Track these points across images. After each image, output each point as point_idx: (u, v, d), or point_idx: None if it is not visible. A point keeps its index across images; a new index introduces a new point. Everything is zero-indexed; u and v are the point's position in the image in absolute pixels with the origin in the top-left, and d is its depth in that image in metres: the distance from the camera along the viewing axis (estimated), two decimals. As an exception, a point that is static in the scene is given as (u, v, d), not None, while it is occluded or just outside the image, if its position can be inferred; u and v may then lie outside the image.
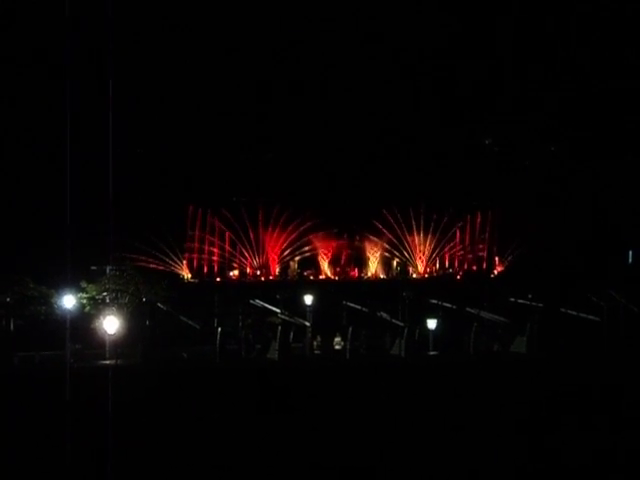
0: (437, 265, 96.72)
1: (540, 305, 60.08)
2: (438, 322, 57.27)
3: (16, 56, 79.78)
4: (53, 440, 21.63)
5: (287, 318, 57.56)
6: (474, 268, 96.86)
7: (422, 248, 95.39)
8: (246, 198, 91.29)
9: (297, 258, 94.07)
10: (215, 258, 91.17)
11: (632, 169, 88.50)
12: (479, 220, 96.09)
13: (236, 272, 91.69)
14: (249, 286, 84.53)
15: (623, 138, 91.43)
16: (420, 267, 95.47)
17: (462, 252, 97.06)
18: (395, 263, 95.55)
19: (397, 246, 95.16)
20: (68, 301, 51.68)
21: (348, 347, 56.51)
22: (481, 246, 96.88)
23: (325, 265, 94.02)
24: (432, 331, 57.28)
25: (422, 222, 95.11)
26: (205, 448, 31.84)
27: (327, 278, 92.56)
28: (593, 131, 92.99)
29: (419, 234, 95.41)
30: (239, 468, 29.74)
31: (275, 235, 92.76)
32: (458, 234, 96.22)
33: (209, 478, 29.17)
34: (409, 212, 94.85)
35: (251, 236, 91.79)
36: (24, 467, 28.82)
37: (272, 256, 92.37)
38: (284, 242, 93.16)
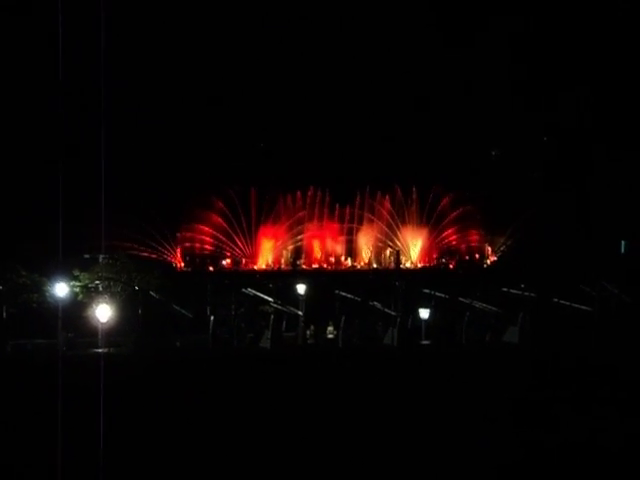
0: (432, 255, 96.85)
1: (532, 295, 60.24)
2: (431, 312, 57.47)
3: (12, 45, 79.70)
4: (45, 429, 21.64)
5: (280, 307, 57.65)
6: (467, 258, 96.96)
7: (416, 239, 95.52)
8: (239, 187, 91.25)
9: (290, 247, 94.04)
10: (208, 247, 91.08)
11: (626, 160, 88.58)
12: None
13: (228, 261, 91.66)
14: (242, 275, 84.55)
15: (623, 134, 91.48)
16: (414, 256, 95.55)
17: (455, 242, 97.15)
18: (388, 252, 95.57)
19: (390, 235, 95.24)
20: (60, 289, 51.67)
21: (341, 336, 56.66)
22: (475, 237, 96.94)
23: (318, 254, 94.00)
24: (425, 320, 57.48)
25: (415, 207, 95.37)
26: (197, 437, 31.85)
27: (320, 267, 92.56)
28: (590, 125, 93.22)
29: (412, 223, 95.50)
30: (232, 458, 29.77)
31: (268, 224, 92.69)
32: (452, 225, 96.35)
33: (202, 468, 29.18)
34: (402, 201, 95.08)
35: (244, 225, 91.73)
36: (17, 455, 28.84)
37: (266, 245, 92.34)
38: (277, 231, 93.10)
